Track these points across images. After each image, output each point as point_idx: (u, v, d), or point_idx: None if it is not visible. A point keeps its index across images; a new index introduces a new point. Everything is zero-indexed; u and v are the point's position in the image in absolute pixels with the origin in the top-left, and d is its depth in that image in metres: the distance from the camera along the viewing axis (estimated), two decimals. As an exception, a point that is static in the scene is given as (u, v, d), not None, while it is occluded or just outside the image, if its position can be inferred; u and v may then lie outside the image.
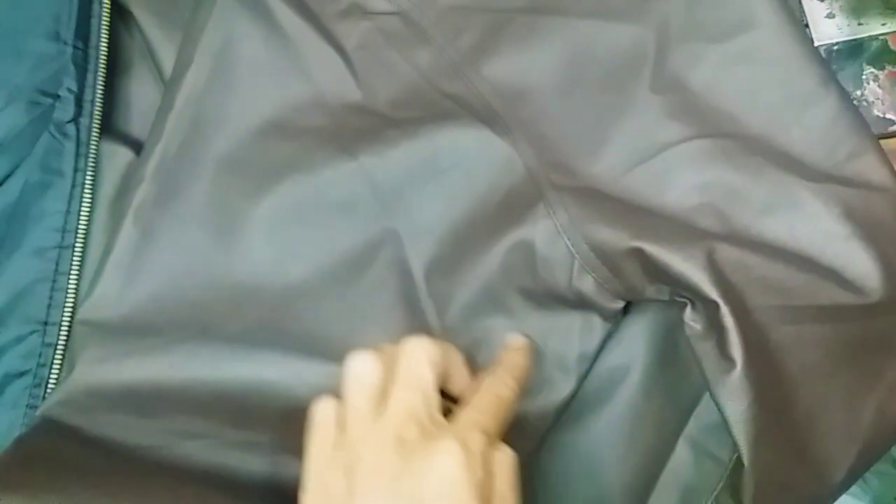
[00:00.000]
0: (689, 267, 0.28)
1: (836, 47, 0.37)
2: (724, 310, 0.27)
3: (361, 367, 0.28)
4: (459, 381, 0.30)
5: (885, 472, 0.48)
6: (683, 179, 0.32)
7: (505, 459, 0.27)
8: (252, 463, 0.31)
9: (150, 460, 0.31)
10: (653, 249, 0.29)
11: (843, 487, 0.30)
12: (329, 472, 0.27)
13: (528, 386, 0.30)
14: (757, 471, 0.27)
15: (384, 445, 0.26)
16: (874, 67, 0.36)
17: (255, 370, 0.32)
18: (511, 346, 0.31)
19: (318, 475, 0.27)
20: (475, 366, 0.32)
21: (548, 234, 0.32)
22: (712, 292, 0.28)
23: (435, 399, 0.27)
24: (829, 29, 0.37)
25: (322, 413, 0.28)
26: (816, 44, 0.37)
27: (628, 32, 0.34)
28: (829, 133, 0.32)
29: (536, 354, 0.31)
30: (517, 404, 0.29)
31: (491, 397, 0.28)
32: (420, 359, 0.28)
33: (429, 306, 0.33)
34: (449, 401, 0.29)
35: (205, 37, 0.36)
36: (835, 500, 0.31)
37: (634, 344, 0.32)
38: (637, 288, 0.30)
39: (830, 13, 0.37)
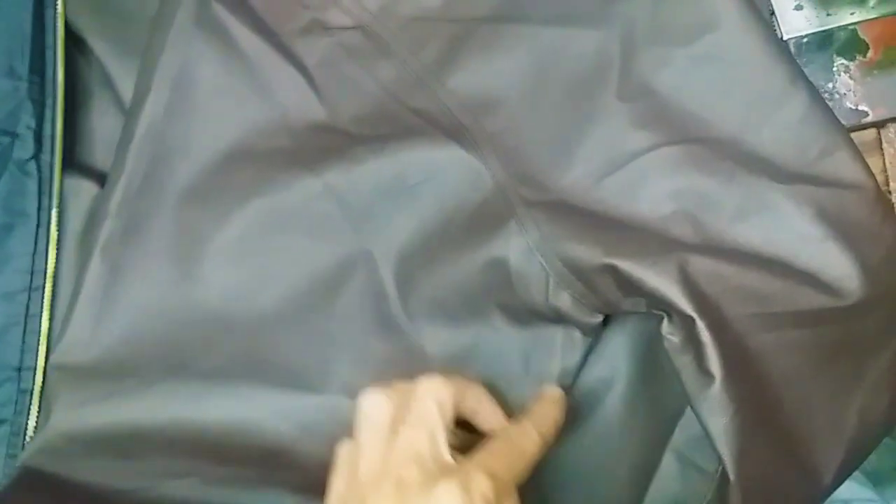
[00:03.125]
0: (662, 282, 0.28)
1: (805, 39, 0.36)
2: (700, 324, 0.27)
3: (371, 407, 0.28)
4: (488, 416, 0.29)
5: (882, 442, 0.48)
6: (655, 188, 0.31)
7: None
8: (236, 499, 0.31)
9: (133, 502, 0.31)
10: (625, 265, 0.29)
11: (834, 488, 0.30)
12: None
13: (557, 431, 0.29)
14: (743, 483, 0.27)
15: (386, 487, 0.25)
16: (844, 58, 0.36)
17: (235, 407, 0.32)
18: (544, 398, 0.30)
19: None
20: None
21: (521, 251, 0.32)
22: (687, 307, 0.27)
23: (441, 437, 0.26)
24: (797, 21, 0.36)
25: (342, 454, 0.28)
26: (785, 37, 0.36)
27: (593, 38, 0.34)
28: (799, 132, 0.32)
29: (561, 402, 0.30)
30: (540, 456, 0.28)
31: (508, 445, 0.27)
32: (429, 398, 0.27)
33: (407, 326, 0.33)
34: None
35: (161, 63, 0.35)
36: (826, 498, 0.31)
37: (616, 357, 0.32)
38: (613, 302, 0.30)
39: (798, 5, 0.36)
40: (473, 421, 0.29)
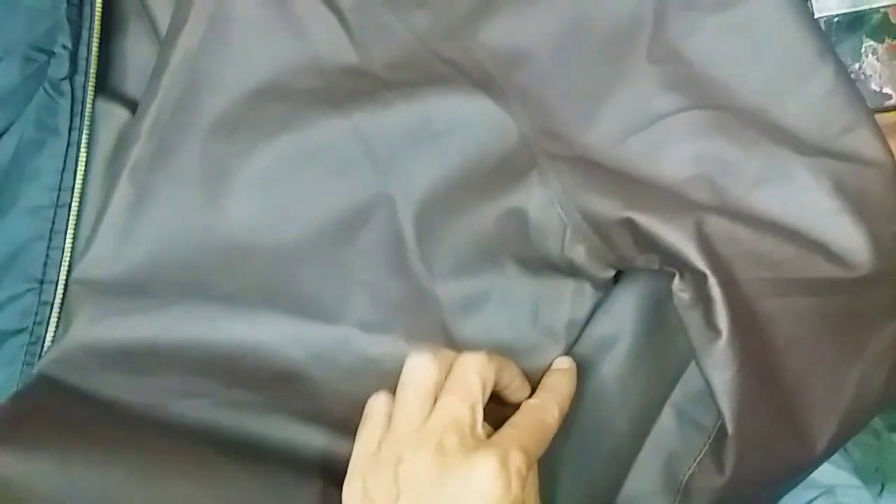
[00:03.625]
0: (679, 238, 0.28)
1: (836, 19, 0.36)
2: (712, 280, 0.28)
3: (418, 368, 0.28)
4: (518, 391, 0.30)
5: (866, 442, 0.49)
6: (677, 150, 0.32)
7: (535, 477, 0.27)
8: (245, 422, 0.32)
9: (145, 418, 0.31)
10: (644, 220, 0.29)
11: (825, 456, 0.31)
12: (371, 468, 0.27)
13: (570, 401, 0.30)
14: (740, 438, 0.28)
15: (425, 450, 0.26)
16: (873, 40, 0.36)
17: (250, 331, 0.33)
18: (557, 369, 0.31)
19: (360, 470, 0.28)
20: (468, 328, 0.32)
21: (541, 203, 0.32)
22: (701, 263, 0.28)
23: (480, 413, 0.28)
24: (829, 0, 0.36)
25: (375, 407, 0.29)
26: (817, 15, 0.36)
27: (627, 1, 0.34)
28: (823, 106, 0.32)
29: (574, 374, 0.31)
30: (560, 419, 0.29)
31: (534, 420, 0.29)
32: (473, 371, 0.28)
33: (421, 270, 0.34)
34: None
35: (199, -4, 0.36)
36: (816, 468, 0.32)
37: (623, 313, 0.32)
38: (627, 257, 0.31)
39: (832, -16, 0.36)
40: (503, 394, 0.30)
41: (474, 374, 0.28)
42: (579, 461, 0.32)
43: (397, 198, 0.34)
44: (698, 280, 0.28)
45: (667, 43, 0.33)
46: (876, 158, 0.32)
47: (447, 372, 0.28)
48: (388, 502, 0.26)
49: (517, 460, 0.26)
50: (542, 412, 0.29)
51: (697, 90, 0.33)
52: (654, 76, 0.33)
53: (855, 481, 0.50)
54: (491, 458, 0.26)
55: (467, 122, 0.34)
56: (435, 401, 0.28)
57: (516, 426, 0.28)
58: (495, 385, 0.29)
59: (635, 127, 0.33)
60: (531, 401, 0.30)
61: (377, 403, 0.29)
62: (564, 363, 0.31)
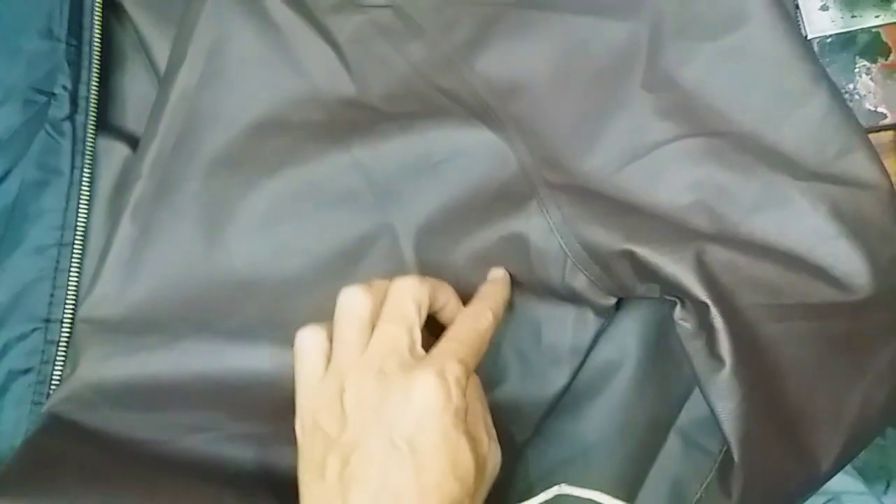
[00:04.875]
0: (679, 269, 0.29)
1: (828, 40, 0.37)
2: (714, 311, 0.28)
3: (353, 300, 0.29)
4: (452, 311, 0.31)
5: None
6: (675, 178, 0.32)
7: (477, 383, 0.29)
8: (253, 455, 0.32)
9: (154, 455, 0.32)
10: (643, 252, 0.29)
11: (830, 475, 0.31)
12: (317, 402, 0.28)
13: (504, 315, 0.31)
14: (746, 465, 0.28)
15: (366, 376, 0.27)
16: (867, 60, 0.36)
17: (256, 363, 0.33)
18: (491, 280, 0.32)
19: (307, 406, 0.28)
20: None
21: (541, 231, 0.33)
22: (702, 294, 0.28)
23: (418, 334, 0.28)
24: (822, 21, 0.37)
25: (309, 342, 0.29)
26: (810, 36, 0.37)
27: (622, 29, 0.34)
28: (819, 130, 0.32)
29: (507, 281, 0.32)
30: (494, 334, 0.30)
31: (468, 328, 0.29)
32: (406, 296, 0.29)
33: None
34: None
35: (197, 32, 0.36)
36: (821, 486, 0.32)
37: (626, 338, 0.33)
38: (628, 286, 0.31)
39: (824, 5, 0.37)
40: (439, 316, 0.31)
41: (408, 299, 0.29)
42: (586, 485, 0.32)
43: (398, 227, 0.35)
44: (700, 310, 0.28)
45: (662, 71, 0.34)
46: (872, 181, 0.32)
47: (381, 301, 0.29)
48: (336, 431, 0.27)
49: (454, 371, 0.27)
50: (475, 319, 0.29)
51: (693, 117, 0.33)
52: (649, 104, 0.33)
53: (861, 487, 0.50)
54: (428, 372, 0.26)
55: (466, 151, 0.34)
56: (372, 330, 0.28)
57: (451, 339, 0.29)
58: (430, 307, 0.30)
59: (632, 155, 0.33)
60: (464, 309, 0.30)
61: (310, 341, 0.29)
62: (498, 273, 0.32)
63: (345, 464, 0.26)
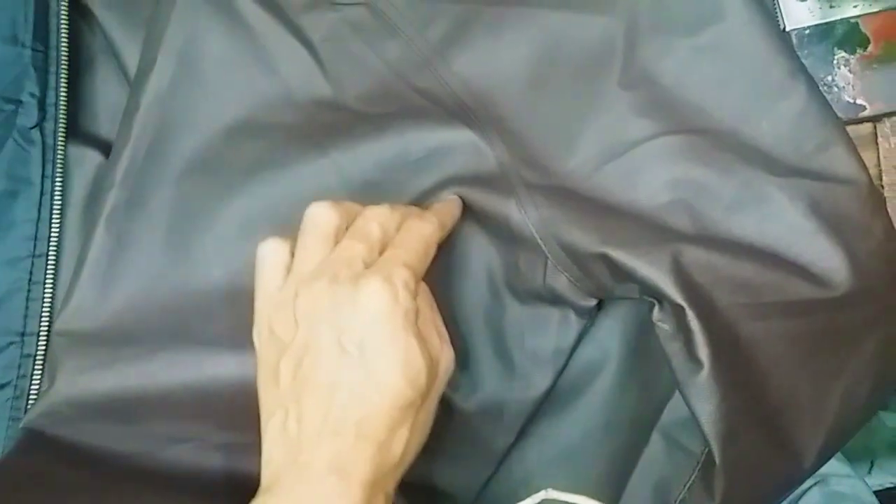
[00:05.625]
0: (654, 271, 0.29)
1: (807, 31, 0.36)
2: (690, 313, 0.28)
3: (320, 215, 0.29)
4: None
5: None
6: (653, 176, 0.32)
7: (425, 288, 0.29)
8: (239, 464, 0.32)
9: (136, 468, 0.31)
10: (619, 255, 0.29)
11: (813, 470, 0.31)
12: (273, 309, 0.28)
13: (451, 226, 0.32)
14: (728, 466, 0.28)
15: (319, 282, 0.27)
16: (845, 51, 0.36)
17: (237, 372, 0.33)
18: (444, 201, 0.33)
19: (264, 314, 0.29)
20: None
21: (520, 231, 0.32)
22: (677, 296, 0.28)
23: (377, 255, 0.29)
24: (800, 13, 0.36)
25: (270, 253, 0.30)
26: (788, 28, 0.36)
27: (598, 25, 0.34)
28: (797, 126, 0.32)
29: (458, 202, 0.32)
30: (440, 239, 0.30)
31: (412, 234, 0.29)
32: (374, 220, 0.29)
33: None
34: None
35: (168, 35, 0.35)
36: (805, 480, 0.32)
37: (609, 339, 0.33)
38: (607, 287, 0.31)
39: (802, -4, 0.36)
40: None
41: (374, 223, 0.29)
42: (571, 486, 0.33)
43: None
44: (677, 312, 0.28)
45: (638, 68, 0.33)
46: (850, 176, 0.32)
47: (349, 222, 0.29)
48: (289, 336, 0.27)
49: (401, 274, 0.27)
50: (420, 227, 0.30)
51: (670, 114, 0.33)
52: (627, 102, 0.33)
53: (847, 469, 0.51)
54: (375, 277, 0.27)
55: (443, 150, 0.34)
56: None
57: (396, 246, 0.29)
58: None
59: (610, 154, 0.33)
60: (410, 220, 0.30)
61: (271, 251, 0.30)
62: (450, 196, 0.33)
63: (297, 367, 0.27)
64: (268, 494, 0.26)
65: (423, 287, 0.29)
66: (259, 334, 0.29)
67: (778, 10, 0.36)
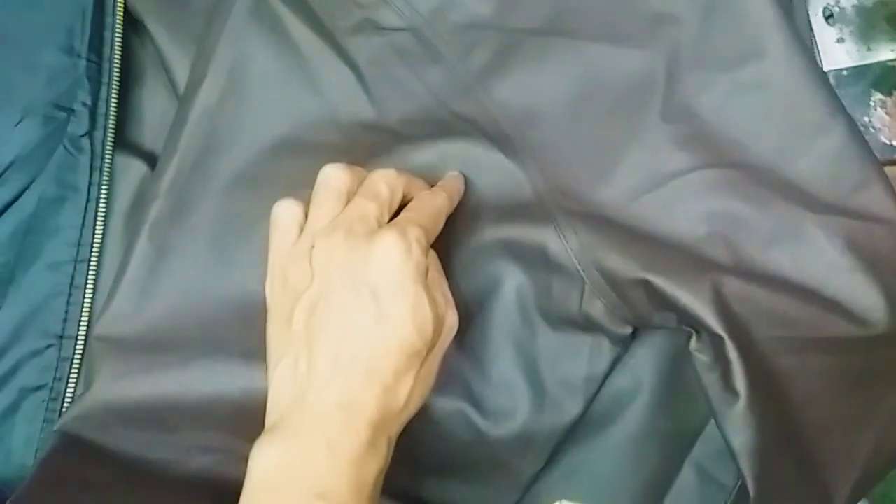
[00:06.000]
0: (694, 301, 0.29)
1: (844, 72, 0.37)
2: (729, 344, 0.28)
3: (333, 174, 0.31)
4: None
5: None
6: (691, 209, 0.32)
7: (435, 256, 0.31)
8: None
9: (166, 475, 0.32)
10: (660, 282, 0.29)
11: None
12: (288, 261, 0.30)
13: (458, 200, 0.34)
14: (761, 499, 0.28)
15: (335, 235, 0.29)
16: (882, 93, 0.37)
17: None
18: (448, 174, 0.34)
19: (279, 266, 0.30)
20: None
21: (559, 257, 0.33)
22: (717, 327, 0.28)
23: (387, 214, 0.30)
24: (838, 54, 0.37)
25: (285, 212, 0.31)
26: (826, 68, 0.37)
27: (639, 58, 0.35)
28: (835, 164, 0.32)
29: (461, 176, 0.34)
30: (449, 210, 0.33)
31: (424, 202, 0.31)
32: (382, 181, 0.31)
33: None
34: None
35: (218, 52, 0.36)
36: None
37: (642, 368, 0.33)
38: (644, 315, 0.31)
39: (840, 38, 0.37)
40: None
41: (383, 183, 0.31)
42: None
43: None
44: (715, 342, 0.28)
45: (679, 101, 0.34)
46: (887, 215, 0.32)
47: (359, 183, 0.31)
48: (304, 285, 0.29)
49: (414, 231, 0.29)
50: (431, 197, 0.32)
51: (710, 148, 0.33)
52: (666, 134, 0.34)
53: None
54: (390, 231, 0.29)
55: (481, 170, 0.35)
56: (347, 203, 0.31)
57: (410, 210, 0.31)
58: (405, 198, 0.32)
59: (649, 185, 0.33)
60: (422, 191, 0.32)
61: (285, 211, 0.31)
62: (452, 172, 0.34)
63: (311, 313, 0.28)
64: (275, 432, 0.27)
65: (433, 254, 0.31)
66: (272, 285, 0.31)
67: (816, 50, 0.37)
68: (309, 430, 0.27)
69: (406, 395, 0.28)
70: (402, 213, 0.31)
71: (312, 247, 0.29)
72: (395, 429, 0.28)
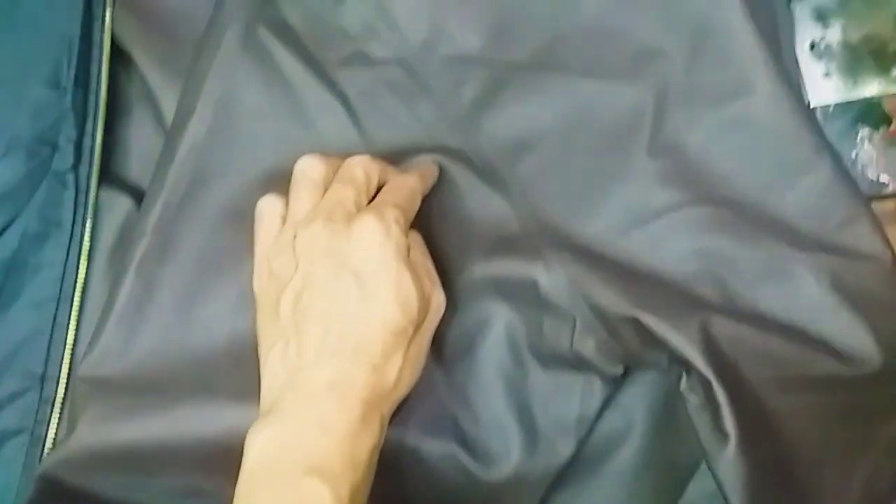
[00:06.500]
0: (683, 341, 0.29)
1: (831, 108, 0.37)
2: (717, 387, 0.28)
3: (309, 165, 0.32)
4: None
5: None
6: (679, 245, 0.32)
7: (419, 239, 0.32)
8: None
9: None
10: (650, 321, 0.29)
11: None
12: (272, 253, 0.31)
13: (431, 184, 0.35)
14: (755, 540, 0.28)
15: (315, 222, 0.30)
16: (868, 128, 0.37)
17: None
18: (423, 160, 0.35)
19: (264, 258, 0.31)
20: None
21: (548, 292, 0.33)
22: (705, 368, 0.28)
23: (364, 199, 0.31)
24: (825, 89, 0.37)
25: (267, 207, 0.32)
26: (812, 104, 0.37)
27: (627, 93, 0.35)
28: (822, 201, 0.33)
29: (435, 164, 0.35)
30: (424, 192, 0.33)
31: (399, 185, 0.32)
32: (358, 167, 0.32)
33: (427, 356, 0.33)
34: None
35: (207, 85, 0.36)
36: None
37: (634, 407, 0.32)
38: (636, 353, 0.31)
39: (827, 73, 0.37)
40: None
41: (359, 168, 0.32)
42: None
43: None
44: (705, 384, 0.28)
45: (667, 137, 0.34)
46: (874, 252, 0.32)
47: (335, 171, 0.32)
48: (289, 274, 0.29)
49: (392, 212, 0.30)
50: (405, 179, 0.33)
51: (697, 185, 0.33)
52: (653, 170, 0.34)
53: None
54: (368, 214, 0.30)
55: (469, 203, 0.35)
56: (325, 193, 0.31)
57: (385, 193, 0.32)
58: (379, 183, 0.32)
59: (637, 221, 0.33)
60: (395, 176, 0.33)
61: (268, 206, 0.32)
62: (427, 162, 0.35)
63: (297, 300, 0.29)
64: (269, 415, 0.28)
65: (417, 237, 0.32)
66: (259, 279, 0.31)
67: (802, 85, 0.37)
68: (301, 409, 0.27)
69: (396, 374, 0.28)
70: (378, 197, 0.32)
71: (295, 236, 0.30)
72: (388, 408, 0.29)
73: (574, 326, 0.32)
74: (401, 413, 0.32)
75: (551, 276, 0.32)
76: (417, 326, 0.29)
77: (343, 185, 0.31)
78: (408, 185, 0.32)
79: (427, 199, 0.34)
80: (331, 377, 0.27)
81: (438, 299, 0.31)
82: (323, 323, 0.28)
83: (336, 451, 0.26)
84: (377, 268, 0.29)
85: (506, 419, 0.32)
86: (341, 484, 0.26)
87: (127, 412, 0.32)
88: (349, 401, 0.27)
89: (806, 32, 0.38)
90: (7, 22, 0.36)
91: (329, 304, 0.28)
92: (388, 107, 0.37)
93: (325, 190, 0.31)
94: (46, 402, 0.33)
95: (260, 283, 0.31)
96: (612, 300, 0.31)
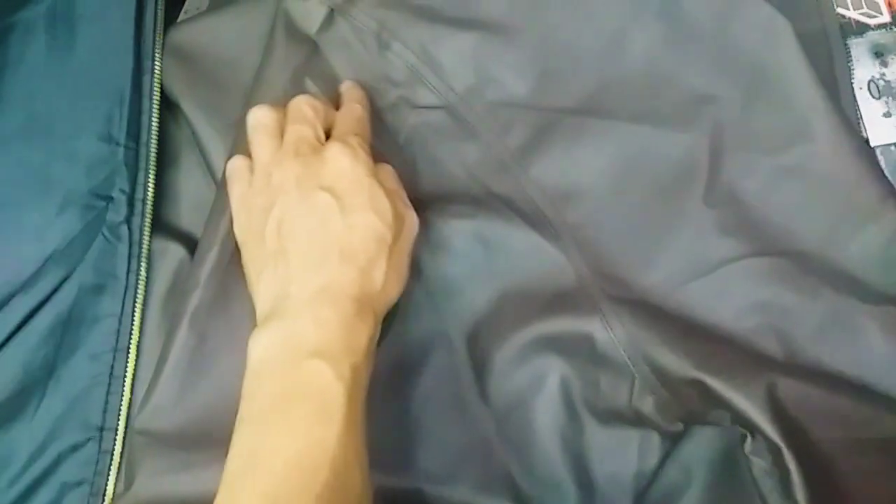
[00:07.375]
0: (750, 405, 0.28)
1: (892, 147, 0.36)
2: (787, 453, 0.27)
3: (260, 114, 0.34)
4: None
5: None
6: (739, 298, 0.32)
7: (391, 169, 0.34)
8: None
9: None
10: (714, 384, 0.29)
11: None
12: (249, 197, 0.33)
13: (368, 103, 0.37)
14: None
15: (286, 159, 0.32)
16: (930, 168, 0.36)
17: None
18: (344, 88, 0.37)
19: (242, 206, 0.33)
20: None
21: (606, 349, 0.32)
22: (774, 434, 0.27)
23: (321, 130, 0.34)
24: (885, 129, 0.36)
25: (234, 165, 0.34)
26: (873, 144, 0.36)
27: (681, 140, 0.34)
28: (887, 251, 0.32)
29: (358, 85, 0.38)
30: (368, 116, 0.36)
31: (348, 117, 0.35)
32: (304, 104, 0.34)
33: (481, 410, 0.33)
34: None
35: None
36: None
37: (693, 461, 0.32)
38: (697, 413, 0.30)
39: (887, 112, 0.36)
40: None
41: (306, 106, 0.34)
42: None
43: (453, 335, 0.34)
44: (773, 449, 0.28)
45: (723, 185, 0.33)
46: (943, 304, 0.31)
47: (283, 116, 0.34)
48: (268, 209, 0.31)
49: (354, 139, 0.33)
50: (350, 110, 0.35)
51: (756, 235, 0.33)
52: (711, 220, 0.33)
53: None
54: (334, 143, 0.32)
55: (521, 257, 0.34)
56: (281, 136, 0.33)
57: (339, 126, 0.34)
58: (326, 115, 0.35)
59: (695, 272, 0.33)
60: (339, 111, 0.36)
61: (235, 165, 0.34)
62: (346, 83, 0.37)
63: (280, 226, 0.31)
64: (266, 322, 0.30)
65: (389, 168, 0.34)
66: (238, 225, 0.33)
67: (862, 125, 0.36)
68: (296, 312, 0.29)
69: (382, 277, 0.31)
70: (334, 131, 0.34)
71: (269, 174, 0.32)
72: (379, 308, 0.31)
73: (633, 384, 0.32)
74: (454, 467, 0.32)
75: (609, 332, 0.32)
76: (395, 237, 0.31)
77: (299, 124, 0.33)
78: (356, 116, 0.35)
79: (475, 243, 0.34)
80: (321, 282, 0.29)
81: (412, 218, 0.33)
82: (306, 238, 0.30)
83: (334, 338, 0.28)
84: (351, 184, 0.31)
85: (561, 475, 0.32)
86: (342, 363, 0.28)
87: (183, 466, 0.32)
88: (341, 300, 0.29)
89: (864, 70, 0.37)
90: (60, 76, 0.37)
91: (311, 221, 0.31)
92: (433, 151, 0.37)
93: (281, 133, 0.33)
94: (105, 453, 0.34)
95: (240, 228, 0.33)
96: (675, 361, 0.30)
